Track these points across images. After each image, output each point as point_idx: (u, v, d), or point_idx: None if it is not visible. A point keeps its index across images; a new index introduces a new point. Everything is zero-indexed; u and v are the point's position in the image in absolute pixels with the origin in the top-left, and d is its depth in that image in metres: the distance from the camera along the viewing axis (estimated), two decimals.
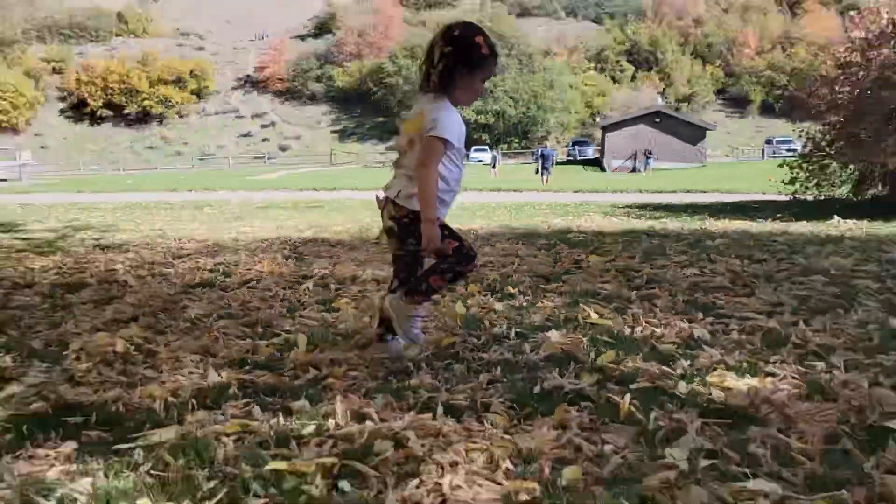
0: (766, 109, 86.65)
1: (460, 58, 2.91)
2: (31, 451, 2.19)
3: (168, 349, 3.43)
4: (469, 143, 71.78)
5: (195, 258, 6.57)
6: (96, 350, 3.43)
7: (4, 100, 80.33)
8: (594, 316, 3.86)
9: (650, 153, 46.20)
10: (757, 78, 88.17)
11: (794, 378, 2.78)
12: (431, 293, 3.23)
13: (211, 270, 5.82)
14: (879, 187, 12.60)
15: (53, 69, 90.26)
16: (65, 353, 3.40)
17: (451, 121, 2.93)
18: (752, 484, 1.86)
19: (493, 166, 39.66)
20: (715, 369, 2.90)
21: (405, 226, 3.02)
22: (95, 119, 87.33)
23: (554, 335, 3.47)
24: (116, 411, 2.57)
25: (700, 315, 3.89)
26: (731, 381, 2.75)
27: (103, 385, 2.89)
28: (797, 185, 13.31)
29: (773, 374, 2.83)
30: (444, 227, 3.00)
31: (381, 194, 3.13)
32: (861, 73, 11.77)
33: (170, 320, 4.08)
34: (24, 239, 8.41)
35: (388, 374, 3.02)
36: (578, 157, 60.77)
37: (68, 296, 4.82)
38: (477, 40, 2.92)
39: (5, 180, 38.84)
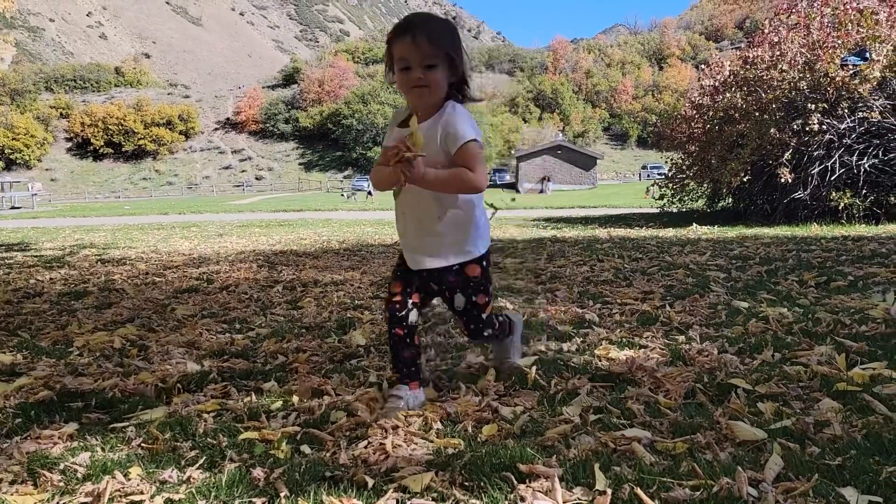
0: (641, 142, 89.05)
1: None
2: (38, 432, 2.08)
3: (158, 343, 3.32)
4: None
5: (183, 269, 6.38)
6: (97, 346, 3.30)
7: (18, 140, 77.15)
8: (508, 306, 3.89)
9: (549, 178, 47.28)
10: (634, 118, 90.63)
11: (661, 349, 2.84)
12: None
13: (196, 278, 5.67)
14: (727, 200, 13.04)
15: (61, 114, 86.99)
16: (69, 349, 3.27)
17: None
18: (628, 432, 1.89)
19: None
20: (601, 344, 2.95)
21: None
22: (98, 156, 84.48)
23: None
24: (113, 396, 2.48)
25: (591, 302, 3.96)
26: (614, 352, 2.80)
27: (102, 375, 2.78)
28: (665, 200, 13.68)
29: (645, 346, 2.89)
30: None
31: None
32: (710, 112, 12.16)
33: (161, 320, 3.96)
34: (35, 256, 8.04)
35: (343, 357, 2.99)
36: (498, 183, 61.28)
37: (73, 302, 4.64)
38: None
39: (19, 207, 37.14)
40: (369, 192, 40.88)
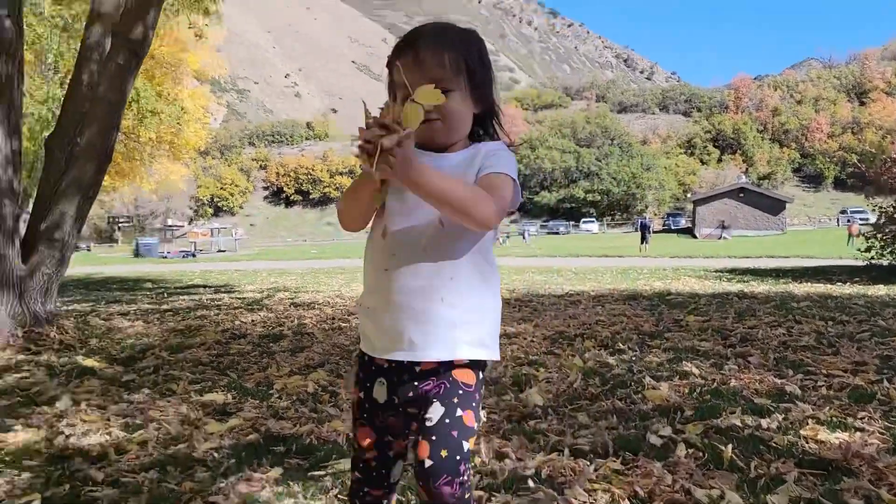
0: (839, 184, 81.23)
1: None
2: (248, 474, 2.30)
3: (347, 390, 3.54)
4: (578, 216, 71.18)
5: None
6: (293, 390, 3.59)
7: (224, 189, 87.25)
8: (695, 371, 3.68)
9: (726, 224, 44.77)
10: (829, 158, 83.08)
11: (881, 433, 2.53)
12: None
13: None
14: None
15: (260, 166, 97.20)
16: (270, 392, 3.57)
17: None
18: None
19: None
20: (807, 423, 2.69)
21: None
22: (289, 202, 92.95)
23: (661, 388, 3.33)
24: (310, 443, 2.66)
25: (790, 372, 3.63)
26: (823, 433, 2.53)
27: (299, 420, 3.01)
28: (872, 251, 12.28)
29: (861, 429, 2.58)
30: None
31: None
32: None
33: (347, 366, 4.21)
34: (238, 298, 8.95)
35: (520, 417, 2.99)
36: (672, 227, 58.77)
37: (271, 345, 5.08)
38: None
39: (224, 251, 41.71)
40: (523, 235, 41.24)
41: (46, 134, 17.11)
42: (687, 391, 3.30)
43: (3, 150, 5.23)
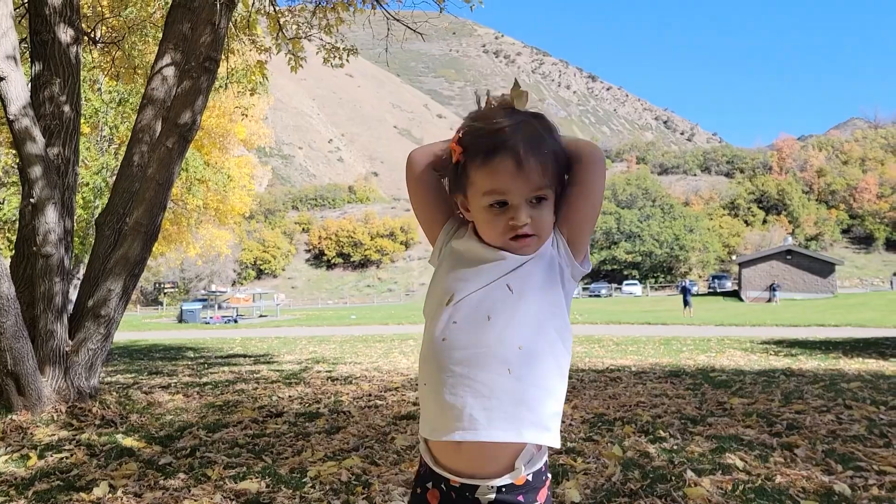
0: (891, 245, 79.04)
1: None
2: None
3: (380, 481, 3.51)
4: (620, 278, 70.47)
5: (401, 391, 6.74)
6: (327, 478, 3.58)
7: (267, 252, 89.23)
8: (739, 464, 3.56)
9: (777, 286, 43.81)
10: (880, 219, 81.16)
11: None
12: None
13: (413, 403, 5.94)
14: None
15: (302, 229, 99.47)
16: (304, 480, 3.57)
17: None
18: None
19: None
20: None
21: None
22: (330, 265, 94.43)
23: (703, 483, 3.23)
24: None
25: (839, 467, 3.48)
26: None
27: None
28: None
29: None
30: None
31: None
32: None
33: (382, 451, 4.19)
34: (277, 371, 9.03)
35: None
36: (718, 290, 57.66)
37: (307, 424, 5.08)
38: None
39: (265, 315, 42.29)
40: None
41: (98, 202, 17.82)
42: (730, 488, 3.19)
43: (56, 230, 5.49)
